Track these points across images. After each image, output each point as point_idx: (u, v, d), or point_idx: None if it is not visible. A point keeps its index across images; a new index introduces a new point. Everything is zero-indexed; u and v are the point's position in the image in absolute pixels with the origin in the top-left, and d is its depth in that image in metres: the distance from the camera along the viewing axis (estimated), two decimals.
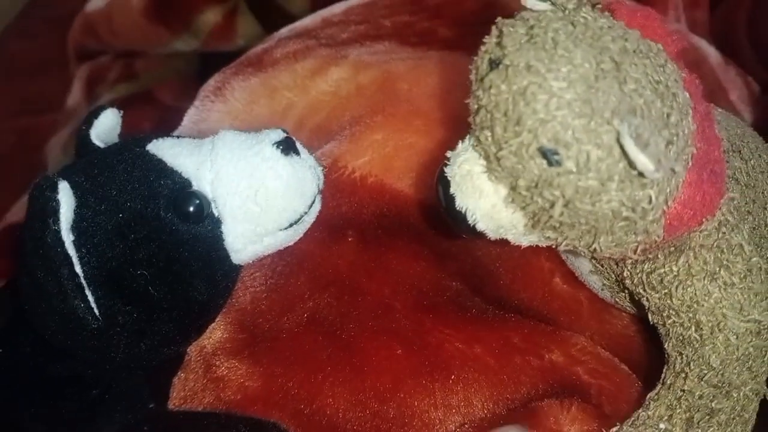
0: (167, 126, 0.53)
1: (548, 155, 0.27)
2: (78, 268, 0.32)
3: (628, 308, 0.40)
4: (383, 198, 0.43)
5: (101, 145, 0.38)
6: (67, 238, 0.32)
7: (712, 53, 0.56)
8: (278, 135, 0.36)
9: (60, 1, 1.07)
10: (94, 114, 0.38)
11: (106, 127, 0.38)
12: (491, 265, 0.43)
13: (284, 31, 0.56)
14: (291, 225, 0.37)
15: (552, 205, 0.28)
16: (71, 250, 0.32)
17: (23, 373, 0.36)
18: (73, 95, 0.90)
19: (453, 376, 0.38)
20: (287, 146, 0.36)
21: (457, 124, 0.44)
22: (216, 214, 0.35)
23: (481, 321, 0.40)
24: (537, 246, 0.43)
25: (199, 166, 0.35)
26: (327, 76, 0.49)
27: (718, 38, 0.60)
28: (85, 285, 0.32)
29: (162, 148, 0.35)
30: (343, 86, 0.48)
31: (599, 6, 0.31)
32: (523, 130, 0.27)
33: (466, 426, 0.36)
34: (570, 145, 0.27)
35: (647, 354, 0.43)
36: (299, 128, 0.48)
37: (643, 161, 0.26)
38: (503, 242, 0.43)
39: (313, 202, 0.37)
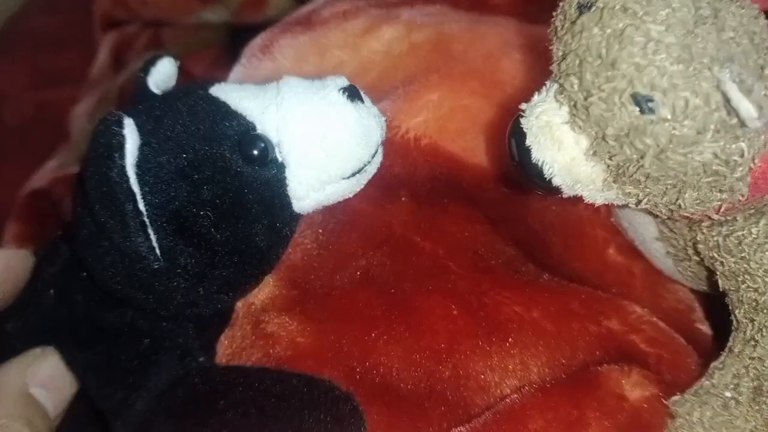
0: None
1: (642, 102, 0.26)
2: (141, 206, 0.31)
3: (688, 278, 0.39)
4: (437, 160, 0.42)
5: (158, 92, 0.37)
6: (132, 175, 0.31)
7: None
8: (343, 81, 0.35)
9: None
10: (151, 61, 0.37)
11: (163, 76, 0.37)
12: (544, 234, 0.43)
13: None
14: (354, 174, 0.36)
15: (642, 156, 0.27)
16: (135, 187, 0.31)
17: (76, 320, 0.35)
18: (99, 63, 0.90)
19: (510, 339, 0.37)
20: (352, 93, 0.35)
21: (515, 87, 0.44)
22: (280, 159, 0.34)
23: (538, 285, 0.39)
24: (592, 215, 0.42)
25: (264, 109, 0.34)
26: (379, 35, 0.48)
27: None
28: (148, 223, 0.31)
29: (226, 92, 0.35)
30: (396, 45, 0.47)
31: None
32: (617, 74, 0.26)
33: (524, 389, 0.36)
34: (667, 91, 0.26)
35: (698, 331, 0.42)
36: None
37: (747, 107, 0.25)
38: (558, 210, 0.43)
39: (376, 152, 0.37)
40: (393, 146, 0.42)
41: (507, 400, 0.35)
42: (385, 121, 0.37)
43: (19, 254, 0.38)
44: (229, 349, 0.38)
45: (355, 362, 0.37)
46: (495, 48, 0.45)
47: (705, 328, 0.42)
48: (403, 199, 0.41)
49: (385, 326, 0.37)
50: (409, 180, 0.42)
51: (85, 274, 0.35)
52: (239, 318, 0.39)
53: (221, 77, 0.37)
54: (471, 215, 0.41)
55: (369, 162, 0.36)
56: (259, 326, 0.38)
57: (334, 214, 0.40)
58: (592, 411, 0.34)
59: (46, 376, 0.35)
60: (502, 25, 0.47)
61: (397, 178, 0.42)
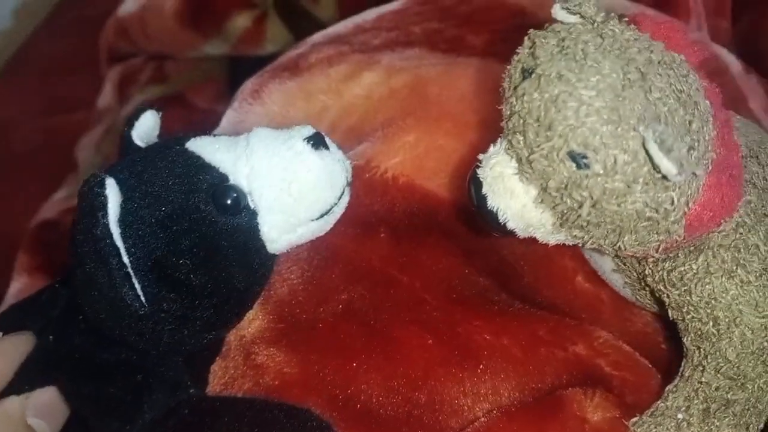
0: (198, 127, 0.55)
1: (577, 159, 0.29)
2: (125, 259, 0.34)
3: (647, 306, 0.42)
4: (414, 197, 0.45)
5: (142, 144, 0.40)
6: (115, 230, 0.34)
7: (732, 62, 0.58)
8: (308, 131, 0.38)
9: (90, 1, 1.10)
10: (135, 116, 0.40)
11: (146, 128, 0.40)
12: (515, 264, 0.45)
13: (317, 36, 0.58)
14: (322, 215, 0.39)
15: (580, 206, 0.30)
16: (119, 241, 0.34)
17: (74, 359, 0.38)
18: (104, 96, 0.92)
19: (481, 366, 0.40)
20: (317, 141, 0.38)
21: (486, 127, 0.47)
22: (252, 206, 0.37)
23: (508, 314, 0.42)
24: (561, 246, 0.45)
25: (235, 161, 0.37)
26: (360, 80, 0.51)
27: (741, 47, 0.61)
28: (132, 274, 0.34)
29: (201, 146, 0.38)
30: (376, 90, 0.50)
31: (625, 19, 0.33)
32: (554, 135, 0.29)
33: (493, 412, 0.38)
34: (598, 149, 0.29)
35: (665, 351, 0.44)
36: (333, 130, 0.50)
37: (666, 165, 0.28)
38: (528, 241, 0.45)
39: (342, 194, 0.39)
40: (372, 185, 0.46)
41: (475, 423, 0.38)
42: (350, 164, 0.40)
43: (26, 339, 0.40)
44: (222, 378, 0.41)
45: (338, 390, 0.39)
46: (468, 90, 0.48)
47: (672, 348, 0.45)
48: (382, 235, 0.44)
49: (366, 356, 0.40)
50: (387, 216, 0.45)
51: (81, 317, 0.38)
52: (231, 350, 0.42)
53: (199, 131, 0.39)
54: (446, 248, 0.44)
55: (336, 203, 0.39)
56: (249, 357, 0.41)
57: (318, 250, 0.43)
58: None
59: (43, 406, 0.38)
60: (476, 67, 0.50)
61: (376, 215, 0.45)
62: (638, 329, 0.45)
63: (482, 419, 0.38)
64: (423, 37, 0.55)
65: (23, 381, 0.38)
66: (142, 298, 0.35)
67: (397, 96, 0.49)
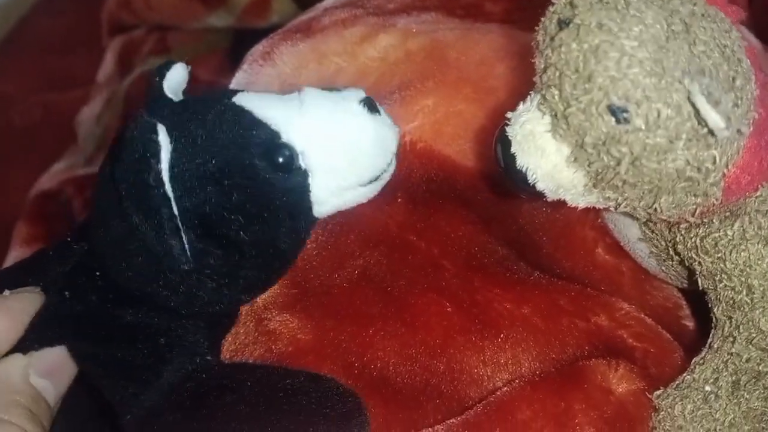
0: None
1: (617, 113, 0.28)
2: (175, 210, 0.33)
3: (671, 278, 0.41)
4: (432, 163, 0.44)
5: (173, 97, 0.38)
6: (167, 179, 0.33)
7: (752, 40, 0.57)
8: (362, 94, 0.37)
9: None
10: (165, 66, 0.38)
11: (176, 80, 0.38)
12: (534, 234, 0.44)
13: (329, 1, 0.56)
14: (371, 182, 0.38)
15: (618, 163, 0.29)
16: (170, 192, 0.33)
17: (90, 318, 0.37)
18: (105, 67, 0.91)
19: (502, 335, 0.39)
20: (371, 105, 0.37)
21: (506, 93, 0.45)
22: (303, 167, 0.36)
23: (529, 283, 0.41)
24: (581, 215, 0.44)
25: (288, 119, 0.36)
26: (376, 43, 0.49)
27: (757, 27, 0.60)
28: (180, 226, 0.33)
29: (250, 101, 0.36)
30: (392, 52, 0.49)
31: None
32: (593, 87, 0.28)
33: (514, 382, 0.37)
34: (640, 102, 0.27)
35: (685, 327, 0.44)
36: None
37: (714, 118, 0.26)
38: (548, 211, 0.44)
39: (391, 161, 0.38)
40: None
41: (497, 392, 0.37)
42: (399, 132, 0.39)
43: (34, 297, 0.38)
44: (232, 345, 0.40)
45: (354, 357, 0.38)
46: (488, 55, 0.47)
47: (692, 324, 0.44)
48: (399, 200, 0.43)
49: (382, 323, 0.39)
50: (405, 182, 0.43)
51: (98, 273, 0.37)
52: (242, 315, 0.40)
53: (226, 83, 0.38)
54: (465, 216, 0.43)
55: (385, 170, 0.38)
56: (261, 323, 0.40)
57: (333, 215, 0.42)
58: (579, 403, 0.36)
59: (49, 365, 0.36)
60: (496, 33, 0.49)
61: (393, 179, 0.43)
62: (658, 303, 0.44)
63: (504, 389, 0.37)
64: (439, 3, 0.54)
65: (32, 340, 0.37)
66: (188, 253, 0.33)
67: (414, 59, 0.48)
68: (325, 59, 0.50)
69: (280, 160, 0.35)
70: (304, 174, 0.36)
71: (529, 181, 0.32)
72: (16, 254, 0.70)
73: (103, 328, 0.36)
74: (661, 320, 0.43)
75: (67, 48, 1.00)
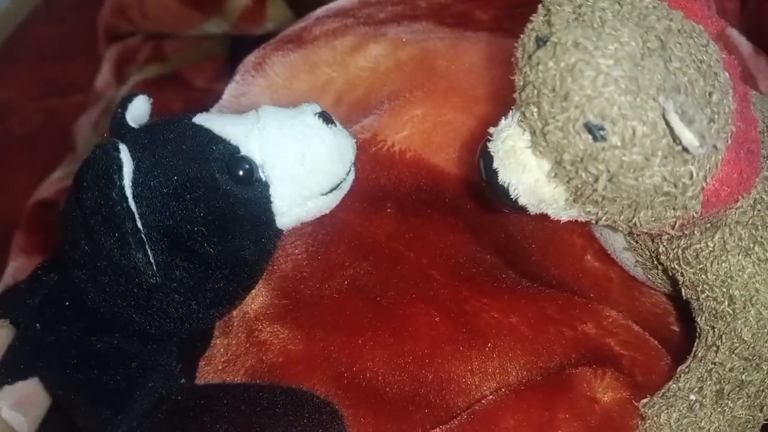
0: (198, 107, 0.54)
1: (594, 130, 0.28)
2: (139, 224, 0.34)
3: (658, 285, 0.41)
4: (421, 172, 0.44)
5: (135, 126, 0.39)
6: (130, 194, 0.34)
7: (743, 42, 0.57)
8: (317, 107, 0.38)
9: None
10: (128, 99, 0.40)
11: (139, 111, 0.40)
12: (524, 242, 0.44)
13: (321, 11, 0.57)
14: (331, 190, 0.39)
15: (596, 180, 0.29)
16: (133, 206, 0.34)
17: (62, 347, 0.37)
18: (102, 75, 0.91)
19: (489, 344, 0.39)
20: (326, 117, 0.38)
21: (495, 101, 0.46)
22: (264, 178, 0.37)
23: (517, 292, 0.41)
24: (570, 223, 0.44)
25: (246, 133, 0.37)
26: (366, 53, 0.50)
27: (748, 30, 0.60)
28: (145, 240, 0.34)
29: (209, 120, 0.37)
30: (382, 62, 0.49)
31: None
32: (570, 105, 0.28)
33: (501, 390, 0.38)
34: (616, 120, 0.28)
35: (674, 332, 0.44)
36: (338, 103, 0.49)
37: (688, 137, 0.27)
38: (537, 218, 0.44)
39: (350, 170, 0.39)
40: (379, 159, 0.45)
41: (483, 401, 0.37)
42: (356, 142, 0.40)
43: (3, 330, 0.39)
44: (224, 356, 0.41)
45: (343, 368, 0.39)
46: (477, 64, 0.47)
47: (681, 329, 0.44)
48: (388, 210, 0.43)
49: (372, 333, 0.40)
50: (394, 191, 0.44)
51: (68, 303, 0.37)
52: (234, 326, 0.41)
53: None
54: (453, 224, 0.44)
55: (344, 179, 0.39)
56: (252, 334, 0.41)
57: (323, 225, 0.42)
58: (563, 412, 0.37)
59: (20, 397, 0.37)
60: (485, 42, 0.49)
61: (383, 189, 0.44)
62: (647, 309, 0.44)
63: (490, 397, 0.37)
64: (429, 11, 0.54)
65: (3, 375, 0.37)
66: (154, 267, 0.34)
67: (404, 68, 0.48)
68: (316, 69, 0.50)
69: (240, 173, 0.36)
70: (265, 185, 0.37)
71: (512, 196, 0.32)
72: (15, 264, 0.70)
73: (74, 356, 0.37)
74: (650, 326, 0.43)
75: (66, 54, 1.00)
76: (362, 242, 0.42)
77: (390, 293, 0.41)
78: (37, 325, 0.37)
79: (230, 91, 0.52)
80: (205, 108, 0.52)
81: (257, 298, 0.41)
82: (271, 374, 0.39)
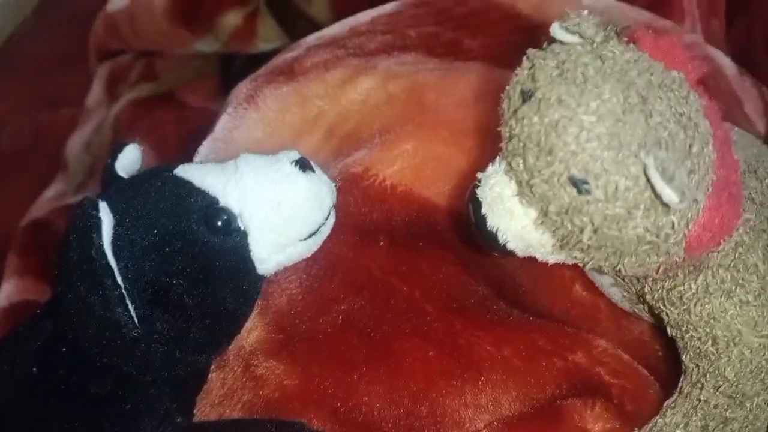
0: (190, 126, 0.55)
1: (578, 184, 0.29)
2: (119, 279, 0.35)
3: (645, 317, 0.42)
4: (412, 206, 0.45)
5: (125, 176, 0.40)
6: (109, 251, 0.35)
7: (727, 63, 0.58)
8: (295, 155, 0.39)
9: None
10: (118, 148, 0.41)
11: (129, 161, 0.41)
12: (514, 273, 0.45)
13: (312, 39, 0.58)
14: (310, 236, 0.40)
15: (581, 230, 0.30)
16: (112, 262, 0.35)
17: (61, 391, 0.38)
18: (93, 94, 0.91)
19: (482, 378, 0.40)
20: (303, 164, 0.39)
21: (483, 135, 0.46)
22: (242, 227, 0.38)
23: (508, 324, 0.42)
24: None
25: (225, 184, 0.38)
26: (357, 86, 0.51)
27: (735, 49, 0.61)
28: (125, 295, 0.35)
29: (189, 171, 0.38)
30: (373, 95, 0.50)
31: (624, 33, 0.32)
32: (554, 160, 0.29)
33: (494, 424, 0.39)
34: (599, 175, 0.29)
35: (662, 359, 0.45)
36: (330, 135, 0.50)
37: (668, 194, 0.27)
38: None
39: (329, 215, 0.40)
40: (371, 193, 0.45)
41: None
42: (335, 186, 0.41)
43: None
44: (221, 390, 0.41)
45: (339, 403, 0.40)
46: (466, 96, 0.48)
47: (668, 356, 0.45)
48: (381, 243, 0.44)
49: (367, 368, 0.40)
50: (386, 225, 0.45)
51: (64, 349, 0.38)
52: (230, 361, 0.42)
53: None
54: (445, 257, 0.44)
55: (323, 224, 0.40)
56: (248, 369, 0.41)
57: (316, 259, 0.43)
58: None
59: None
60: (474, 72, 0.50)
61: (375, 223, 0.45)
62: (635, 337, 0.45)
63: (484, 430, 0.38)
64: (419, 41, 0.55)
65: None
66: (135, 320, 0.35)
67: (395, 102, 0.49)
68: (307, 102, 0.51)
69: (219, 223, 0.37)
70: (243, 234, 0.38)
71: (500, 241, 0.33)
72: (9, 287, 0.70)
73: (72, 400, 0.37)
74: (638, 354, 0.44)
75: (57, 69, 0.99)
76: (356, 276, 0.43)
77: (384, 328, 0.41)
78: (34, 369, 0.38)
79: (223, 123, 0.53)
80: (196, 127, 0.53)
81: (253, 333, 0.42)
82: (268, 409, 0.40)
